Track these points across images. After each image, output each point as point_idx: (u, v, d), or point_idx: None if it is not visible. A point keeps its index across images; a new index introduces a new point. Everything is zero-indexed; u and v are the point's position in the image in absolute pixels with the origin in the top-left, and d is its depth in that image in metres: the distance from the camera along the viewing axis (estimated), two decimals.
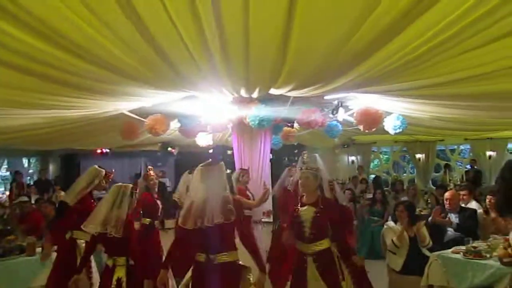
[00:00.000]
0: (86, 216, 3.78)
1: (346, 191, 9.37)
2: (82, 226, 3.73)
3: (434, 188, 9.90)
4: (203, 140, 7.69)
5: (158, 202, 5.41)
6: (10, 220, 6.72)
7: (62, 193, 11.12)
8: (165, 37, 2.57)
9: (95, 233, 3.68)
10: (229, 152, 10.38)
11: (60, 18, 2.24)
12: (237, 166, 5.82)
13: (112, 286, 3.54)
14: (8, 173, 13.45)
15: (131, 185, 3.87)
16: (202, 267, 3.14)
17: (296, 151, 12.90)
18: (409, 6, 2.19)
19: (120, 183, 3.85)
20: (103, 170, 4.73)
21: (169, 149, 10.99)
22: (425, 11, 2.25)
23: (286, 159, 13.54)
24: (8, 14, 2.14)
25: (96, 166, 4.75)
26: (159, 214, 5.48)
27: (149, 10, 2.21)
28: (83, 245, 4.43)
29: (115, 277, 3.56)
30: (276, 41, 2.69)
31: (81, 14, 2.20)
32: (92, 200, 4.69)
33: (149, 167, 5.62)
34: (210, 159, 3.36)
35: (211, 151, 11.34)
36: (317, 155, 3.91)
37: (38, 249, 5.49)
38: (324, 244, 3.56)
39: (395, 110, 5.52)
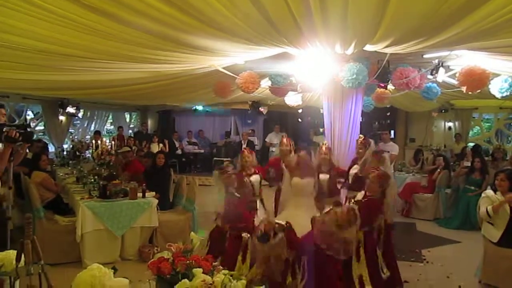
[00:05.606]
0: None
1: (439, 157, 8.92)
2: None
3: None
4: (293, 99, 7.69)
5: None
6: (115, 167, 7.38)
7: (155, 144, 11.99)
8: None
9: None
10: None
11: None
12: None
13: None
14: (112, 126, 14.77)
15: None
16: None
17: (388, 113, 12.37)
18: None
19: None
20: None
21: (260, 108, 11.14)
22: None
23: (377, 123, 13.04)
24: None
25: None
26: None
27: None
28: None
29: None
30: None
31: None
32: None
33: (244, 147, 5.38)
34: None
35: (300, 111, 11.34)
36: None
37: (139, 194, 6.03)
38: None
39: (503, 71, 5.02)
